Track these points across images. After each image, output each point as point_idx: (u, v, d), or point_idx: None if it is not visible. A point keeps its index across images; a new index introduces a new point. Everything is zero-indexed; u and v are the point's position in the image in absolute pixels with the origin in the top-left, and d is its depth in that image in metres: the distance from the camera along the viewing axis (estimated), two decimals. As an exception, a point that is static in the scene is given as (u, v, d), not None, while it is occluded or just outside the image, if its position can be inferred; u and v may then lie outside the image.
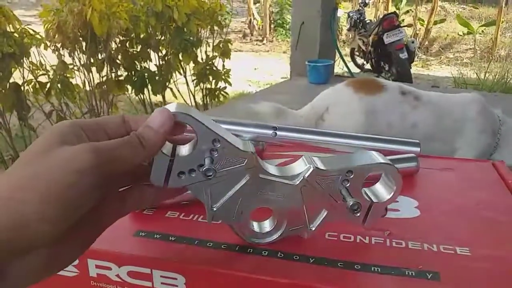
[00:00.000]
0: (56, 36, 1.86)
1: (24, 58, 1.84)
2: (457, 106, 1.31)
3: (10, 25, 1.74)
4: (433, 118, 1.30)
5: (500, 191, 0.45)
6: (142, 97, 2.41)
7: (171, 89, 2.61)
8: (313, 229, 0.36)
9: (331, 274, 0.33)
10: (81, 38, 1.99)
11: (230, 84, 2.77)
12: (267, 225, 0.37)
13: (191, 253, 0.35)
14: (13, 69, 1.79)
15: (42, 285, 0.38)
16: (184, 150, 0.33)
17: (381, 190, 0.37)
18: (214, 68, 2.60)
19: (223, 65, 2.73)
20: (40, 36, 1.89)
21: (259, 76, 5.18)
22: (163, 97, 2.47)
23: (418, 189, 0.46)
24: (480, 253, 0.35)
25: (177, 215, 0.41)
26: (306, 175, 0.34)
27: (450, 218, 0.41)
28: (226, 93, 2.78)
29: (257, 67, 5.67)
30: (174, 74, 2.57)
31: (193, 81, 2.69)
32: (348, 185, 0.35)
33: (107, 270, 0.36)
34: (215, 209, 0.34)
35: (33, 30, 1.82)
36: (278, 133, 0.51)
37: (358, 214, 0.36)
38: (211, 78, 2.66)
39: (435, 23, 6.60)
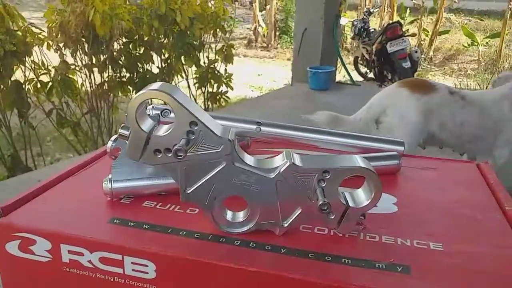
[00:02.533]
0: (59, 35, 1.87)
1: (26, 57, 1.86)
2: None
3: (14, 23, 1.75)
4: (477, 117, 1.34)
5: (480, 191, 0.45)
6: (143, 99, 2.42)
7: (172, 92, 2.62)
8: (286, 225, 0.36)
9: (300, 264, 0.33)
10: (83, 39, 2.01)
11: (231, 88, 2.78)
12: (240, 216, 0.37)
13: (163, 241, 0.35)
14: (15, 67, 1.81)
15: (14, 269, 0.38)
16: (162, 129, 0.33)
17: (361, 195, 0.36)
18: (216, 72, 2.61)
19: (226, 70, 2.75)
20: (43, 35, 1.90)
21: (262, 82, 5.20)
22: (164, 99, 2.48)
23: (398, 186, 0.46)
24: (453, 248, 0.35)
25: (154, 204, 0.41)
26: (282, 170, 0.34)
27: (427, 215, 0.41)
28: (228, 97, 2.78)
29: (260, 73, 5.69)
30: (176, 77, 2.58)
31: (194, 84, 2.70)
32: (323, 185, 0.35)
33: (79, 255, 0.36)
34: (188, 191, 0.34)
35: (39, 29, 1.83)
36: (263, 128, 0.51)
37: (333, 216, 0.36)
38: (212, 82, 2.67)
39: (440, 34, 6.61)
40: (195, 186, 0.35)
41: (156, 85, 0.33)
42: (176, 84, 2.64)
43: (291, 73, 3.00)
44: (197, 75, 2.68)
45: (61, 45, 1.94)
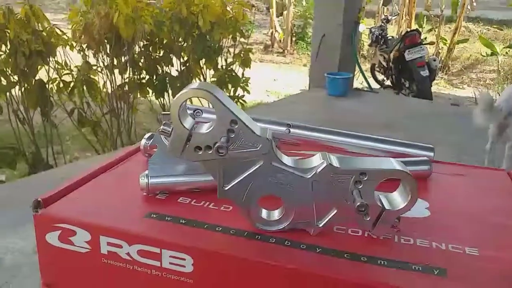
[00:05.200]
0: (82, 37, 1.91)
1: (51, 57, 1.90)
2: None
3: (39, 24, 1.79)
4: None
5: (511, 199, 0.45)
6: (162, 101, 2.45)
7: (190, 94, 2.64)
8: (320, 226, 0.36)
9: (337, 264, 0.33)
10: (105, 40, 2.04)
11: (248, 92, 2.80)
12: (276, 214, 0.37)
13: (200, 236, 0.36)
14: (39, 67, 1.84)
15: (53, 259, 0.40)
16: (203, 127, 0.34)
17: (397, 198, 0.36)
18: (233, 74, 2.63)
19: (243, 73, 2.76)
20: (67, 36, 1.94)
21: (279, 87, 5.20)
22: (183, 101, 2.51)
23: (429, 192, 0.46)
24: (488, 254, 0.35)
25: (189, 201, 0.42)
26: (319, 170, 0.35)
27: (460, 220, 0.41)
28: (244, 101, 2.80)
29: (276, 78, 5.70)
30: (194, 80, 2.61)
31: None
32: (360, 187, 0.35)
33: (118, 248, 0.37)
34: (226, 188, 0.35)
35: (61, 30, 1.87)
36: (292, 130, 0.52)
37: (368, 218, 0.36)
38: (230, 85, 2.69)
39: (458, 42, 6.54)
40: (233, 184, 0.36)
41: (198, 84, 0.34)
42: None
43: (309, 78, 2.99)
44: (215, 79, 2.69)
45: (84, 46, 1.98)
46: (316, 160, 0.36)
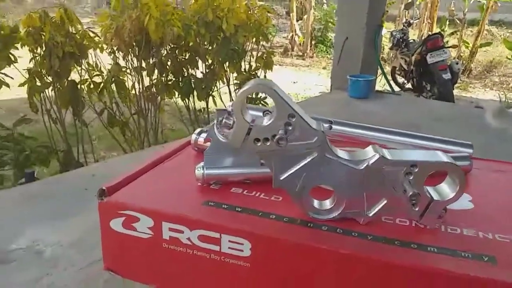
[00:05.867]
0: (113, 39, 1.96)
1: (82, 59, 1.96)
2: None
3: (73, 27, 1.86)
4: None
5: (555, 193, 0.46)
6: (187, 103, 2.49)
7: (213, 96, 2.69)
8: (370, 215, 0.39)
9: (388, 250, 0.35)
10: (134, 43, 2.10)
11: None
12: (327, 203, 0.39)
13: (257, 222, 0.39)
14: (72, 68, 1.91)
15: (116, 245, 0.42)
16: (263, 120, 0.36)
17: (445, 189, 0.38)
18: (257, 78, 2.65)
19: (265, 76, 2.79)
20: (98, 39, 2.00)
21: (299, 89, 5.22)
22: (207, 103, 2.55)
23: (471, 186, 0.48)
24: (535, 243, 0.36)
25: (241, 191, 0.44)
26: (371, 162, 0.37)
27: (503, 212, 0.42)
28: (266, 103, 2.82)
29: (296, 81, 5.72)
30: (217, 83, 2.64)
31: (235, 90, 2.75)
32: (411, 178, 0.37)
33: (180, 233, 0.39)
34: (281, 178, 0.37)
35: (94, 33, 1.93)
36: (334, 126, 0.54)
37: (417, 209, 0.38)
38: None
39: (481, 46, 6.44)
40: (287, 174, 0.38)
41: (258, 80, 0.37)
42: (218, 90, 2.70)
43: (330, 80, 3.00)
44: (238, 81, 2.73)
45: (115, 48, 2.03)
46: (368, 153, 0.38)
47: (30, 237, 1.03)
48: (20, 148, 1.77)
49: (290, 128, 0.36)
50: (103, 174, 1.42)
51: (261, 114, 0.50)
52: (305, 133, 0.36)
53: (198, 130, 0.53)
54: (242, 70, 2.68)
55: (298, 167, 0.38)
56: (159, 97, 2.21)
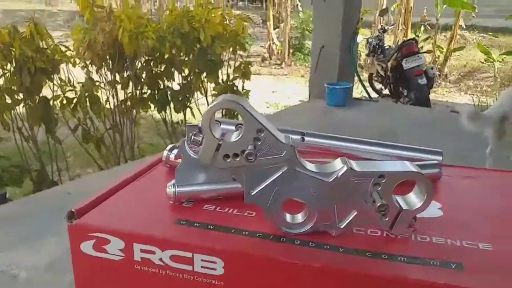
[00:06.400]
0: (86, 53, 1.94)
1: (54, 74, 1.93)
2: None
3: (43, 42, 1.83)
4: None
5: (522, 198, 0.47)
6: (164, 115, 2.48)
7: (191, 108, 2.68)
8: (342, 227, 0.39)
9: (360, 261, 0.35)
10: (107, 56, 2.08)
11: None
12: (299, 217, 0.39)
13: (229, 240, 0.38)
14: (43, 84, 1.87)
15: (87, 268, 0.41)
16: (231, 136, 0.36)
17: (413, 199, 0.39)
18: (235, 88, 2.66)
19: (243, 86, 2.80)
20: (71, 53, 1.98)
21: (278, 99, 5.25)
22: (184, 115, 2.54)
23: (440, 193, 0.48)
24: (502, 249, 0.37)
25: (213, 208, 0.44)
26: (340, 174, 0.37)
27: (473, 219, 0.43)
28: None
29: (275, 90, 5.75)
30: (195, 94, 2.64)
31: (213, 101, 2.75)
32: (379, 189, 0.37)
33: (151, 254, 0.39)
34: (252, 194, 0.37)
35: (66, 47, 1.90)
36: (306, 138, 0.54)
37: (387, 219, 0.38)
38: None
39: (454, 50, 6.63)
40: (258, 189, 0.38)
41: (226, 96, 0.37)
42: (195, 101, 2.70)
43: (308, 89, 3.03)
44: (216, 92, 2.73)
45: (87, 62, 2.01)
46: (337, 165, 0.38)
47: (4, 261, 1.00)
48: (-9, 168, 1.72)
49: (259, 143, 0.36)
50: (79, 192, 1.40)
51: (233, 128, 0.51)
52: (274, 148, 0.37)
53: (169, 146, 0.52)
54: (220, 80, 2.68)
55: (268, 181, 0.38)
56: (134, 111, 2.19)
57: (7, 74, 1.80)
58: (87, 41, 1.90)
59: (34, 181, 1.89)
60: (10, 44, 1.73)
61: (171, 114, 2.50)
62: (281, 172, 0.37)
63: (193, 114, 2.69)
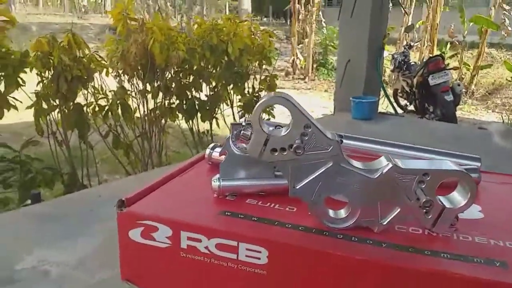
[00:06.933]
0: (119, 63, 2.01)
1: (89, 82, 2.00)
2: None
3: (80, 51, 1.90)
4: None
5: None
6: (191, 125, 2.52)
7: (217, 119, 2.71)
8: (384, 224, 0.39)
9: (403, 256, 0.36)
10: (139, 67, 2.14)
11: (273, 117, 2.85)
12: (342, 212, 0.40)
13: (273, 231, 0.40)
14: (78, 91, 1.94)
15: (134, 255, 0.43)
16: (279, 131, 0.38)
17: (456, 197, 0.39)
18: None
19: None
20: (105, 62, 2.05)
21: (301, 113, 5.25)
22: (210, 125, 2.57)
23: (480, 197, 0.49)
24: (546, 250, 0.37)
25: (256, 202, 0.45)
26: (385, 171, 0.38)
27: (514, 221, 0.43)
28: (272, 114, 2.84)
29: (293, 98, 5.77)
30: (222, 105, 2.68)
31: (238, 112, 2.78)
32: (423, 186, 0.38)
33: (197, 242, 0.40)
34: (297, 187, 0.39)
35: (100, 57, 1.97)
36: (345, 141, 0.55)
37: (430, 216, 0.39)
38: (256, 110, 2.75)
39: (481, 68, 6.52)
40: (303, 183, 0.39)
41: (275, 93, 0.38)
42: (221, 112, 2.73)
43: (333, 102, 3.03)
44: (242, 103, 2.76)
45: (120, 71, 2.07)
46: (382, 162, 0.39)
47: (36, 258, 1.03)
48: (26, 170, 1.78)
49: (306, 138, 0.38)
50: (109, 195, 1.43)
51: (272, 128, 0.52)
52: (321, 143, 0.38)
53: (212, 145, 0.54)
54: (246, 92, 2.72)
55: (313, 176, 0.39)
56: (163, 120, 2.23)
57: (45, 81, 1.87)
58: (120, 51, 1.97)
59: (65, 184, 1.95)
60: (49, 53, 1.80)
61: (197, 124, 2.54)
62: (326, 167, 0.39)
63: (218, 125, 2.72)
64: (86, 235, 1.12)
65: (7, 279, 0.89)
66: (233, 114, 2.81)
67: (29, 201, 1.62)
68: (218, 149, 0.53)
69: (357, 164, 0.39)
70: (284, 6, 9.81)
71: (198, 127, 2.59)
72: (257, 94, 2.75)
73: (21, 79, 1.79)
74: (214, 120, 2.65)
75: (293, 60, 8.08)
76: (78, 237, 1.12)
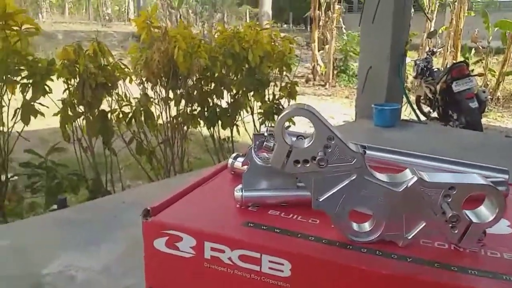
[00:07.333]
0: (142, 71, 2.04)
1: (113, 89, 2.04)
2: None
3: (105, 59, 1.94)
4: None
5: None
6: (212, 132, 2.54)
7: (237, 126, 2.73)
8: (409, 238, 0.39)
9: (429, 271, 0.36)
10: (162, 74, 2.17)
11: (293, 123, 2.85)
12: (366, 226, 0.40)
13: (296, 243, 0.39)
14: (103, 98, 1.99)
15: (158, 264, 0.44)
16: (302, 143, 0.38)
17: (484, 212, 0.38)
18: (281, 107, 2.69)
19: (288, 105, 2.82)
20: (128, 70, 2.09)
21: (321, 119, 5.23)
22: (231, 132, 2.59)
23: (509, 211, 0.47)
24: None
25: (278, 213, 0.45)
26: (410, 184, 0.37)
27: (545, 237, 0.42)
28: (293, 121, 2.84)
29: (319, 110, 5.74)
30: (242, 112, 2.69)
31: (259, 119, 2.79)
32: (449, 200, 0.37)
33: (221, 253, 0.40)
34: (320, 200, 0.38)
35: (124, 65, 2.02)
36: (368, 152, 0.55)
37: (456, 231, 0.38)
38: (276, 117, 2.75)
39: (507, 74, 6.37)
40: (326, 196, 0.39)
41: (297, 105, 0.39)
42: (242, 119, 2.74)
43: (355, 109, 3.01)
44: (262, 110, 2.77)
45: (143, 79, 2.11)
46: (407, 175, 0.38)
47: (63, 262, 1.05)
48: (52, 175, 1.83)
49: (329, 150, 0.37)
50: (133, 201, 1.45)
51: (295, 138, 0.52)
52: (344, 155, 0.38)
53: (234, 154, 0.55)
54: (266, 99, 2.72)
55: (337, 188, 0.39)
56: (185, 127, 2.26)
57: (71, 89, 1.92)
58: (144, 59, 2.01)
59: (90, 190, 1.99)
60: (75, 61, 1.85)
61: (218, 130, 2.56)
62: (350, 180, 0.38)
63: (238, 132, 2.73)
64: (110, 241, 1.14)
65: (34, 284, 0.91)
66: (254, 121, 2.82)
67: (55, 206, 1.66)
68: (240, 159, 0.54)
69: (381, 176, 0.39)
70: (304, 13, 9.82)
71: (219, 134, 2.61)
72: (277, 101, 2.75)
73: (48, 86, 1.84)
74: (234, 127, 2.67)
75: (313, 67, 8.06)
76: (103, 243, 1.13)
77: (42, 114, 1.82)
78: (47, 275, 0.98)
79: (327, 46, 7.78)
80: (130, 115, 2.11)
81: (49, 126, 2.62)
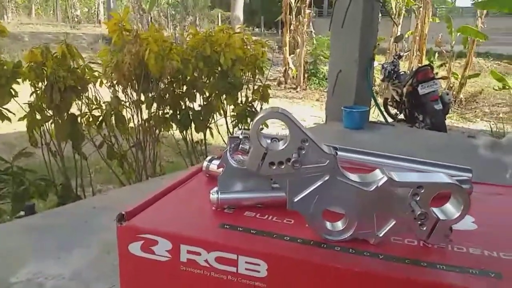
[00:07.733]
0: (113, 73, 2.01)
1: (83, 92, 1.99)
2: None
3: (74, 62, 1.90)
4: None
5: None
6: (185, 135, 2.52)
7: (210, 128, 2.72)
8: (380, 235, 0.40)
9: (400, 267, 0.37)
10: (133, 77, 2.14)
11: (266, 126, 2.86)
12: (339, 225, 0.41)
13: (272, 244, 0.40)
14: (72, 102, 1.94)
15: (134, 268, 0.44)
16: (277, 145, 0.39)
17: (450, 209, 0.40)
18: (253, 110, 2.70)
19: (261, 108, 2.84)
20: (99, 73, 2.05)
21: (293, 122, 5.28)
22: (204, 135, 2.58)
23: (473, 207, 0.49)
24: (538, 260, 0.38)
25: (254, 214, 0.46)
26: (380, 184, 0.39)
27: (506, 232, 0.44)
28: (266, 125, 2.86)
29: (291, 113, 5.79)
30: (215, 115, 2.69)
31: (232, 122, 2.80)
32: (418, 198, 0.39)
33: (197, 255, 0.41)
34: (295, 201, 0.39)
35: (95, 63, 1.98)
36: (340, 153, 0.56)
37: (424, 228, 0.40)
38: (249, 119, 2.76)
39: (470, 77, 6.62)
40: (301, 196, 0.40)
41: (272, 108, 0.39)
42: (215, 122, 2.74)
43: (325, 112, 3.06)
44: (235, 113, 2.77)
45: (114, 82, 2.08)
46: (377, 175, 0.40)
47: (32, 270, 1.02)
48: (18, 181, 1.77)
49: (303, 152, 0.38)
50: (103, 206, 1.42)
51: (269, 141, 0.53)
52: (318, 157, 0.39)
53: (209, 157, 0.55)
54: (239, 102, 2.73)
55: (311, 189, 0.40)
56: (157, 130, 2.24)
57: (38, 92, 1.87)
58: (115, 62, 1.97)
59: (59, 195, 1.93)
60: (43, 64, 1.80)
61: (191, 133, 2.55)
62: (323, 181, 0.39)
63: (211, 135, 2.73)
64: (81, 246, 1.12)
65: (1, 293, 0.88)
66: (227, 124, 2.82)
67: (22, 213, 1.61)
68: (215, 162, 0.54)
69: (353, 177, 0.40)
70: (276, 17, 9.90)
71: (192, 136, 2.60)
72: (250, 104, 2.76)
73: (14, 90, 1.79)
74: (208, 130, 2.66)
75: (285, 70, 8.14)
76: (73, 249, 1.11)
77: (9, 119, 1.76)
78: (15, 283, 0.95)
79: (298, 50, 7.86)
80: (100, 118, 2.07)
81: (16, 130, 2.54)
